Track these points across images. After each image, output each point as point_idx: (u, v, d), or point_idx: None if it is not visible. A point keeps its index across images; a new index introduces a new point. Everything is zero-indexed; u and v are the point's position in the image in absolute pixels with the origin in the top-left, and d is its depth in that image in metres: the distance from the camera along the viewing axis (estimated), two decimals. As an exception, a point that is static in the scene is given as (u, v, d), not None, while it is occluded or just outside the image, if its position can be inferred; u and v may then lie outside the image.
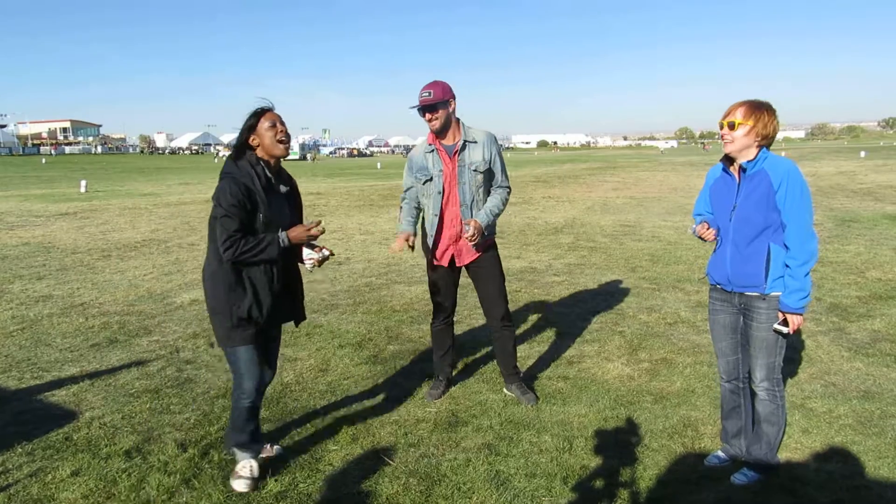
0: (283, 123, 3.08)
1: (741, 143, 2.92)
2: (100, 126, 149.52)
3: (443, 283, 4.16)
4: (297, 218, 3.26)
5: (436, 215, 3.98)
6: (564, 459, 3.39)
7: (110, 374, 4.64)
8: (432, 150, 3.97)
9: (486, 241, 4.03)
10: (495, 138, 4.08)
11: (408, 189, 4.14)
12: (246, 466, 3.18)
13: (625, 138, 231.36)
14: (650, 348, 5.11)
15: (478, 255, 4.05)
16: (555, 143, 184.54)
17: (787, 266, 2.92)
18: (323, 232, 3.11)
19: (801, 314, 2.92)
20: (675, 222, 12.65)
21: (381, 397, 4.25)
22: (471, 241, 3.85)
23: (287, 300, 3.28)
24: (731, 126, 2.92)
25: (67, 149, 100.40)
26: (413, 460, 3.41)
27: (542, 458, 3.40)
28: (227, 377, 4.55)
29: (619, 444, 3.57)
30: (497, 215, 4.01)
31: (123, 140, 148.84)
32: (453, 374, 4.47)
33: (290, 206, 3.22)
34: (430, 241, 4.08)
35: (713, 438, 3.60)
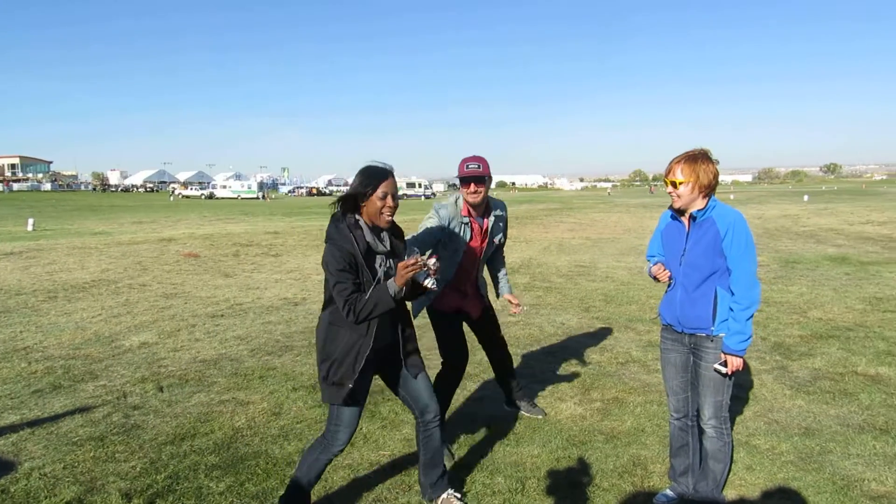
0: (395, 196, 3.04)
1: (687, 198, 3.09)
2: (50, 162, 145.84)
3: (458, 331, 4.17)
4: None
5: (448, 278, 4.01)
6: (517, 501, 3.41)
7: (53, 421, 4.49)
8: (467, 222, 3.99)
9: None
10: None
11: (425, 233, 3.93)
12: None
13: (581, 180, 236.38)
14: (602, 388, 5.19)
15: (482, 307, 4.34)
16: (513, 183, 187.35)
17: (730, 310, 3.05)
18: (420, 260, 2.90)
19: (740, 356, 3.05)
20: (629, 263, 12.95)
21: (334, 441, 4.21)
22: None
23: (393, 353, 3.25)
24: (674, 185, 3.09)
25: (16, 185, 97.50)
26: (365, 505, 3.38)
27: (495, 500, 3.41)
28: (175, 423, 4.46)
29: (570, 484, 3.61)
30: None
31: (75, 177, 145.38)
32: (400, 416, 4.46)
33: (394, 260, 3.11)
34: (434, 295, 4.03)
35: (662, 477, 3.67)
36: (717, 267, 3.08)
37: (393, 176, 3.06)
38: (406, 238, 3.62)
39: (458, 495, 3.37)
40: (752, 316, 3.04)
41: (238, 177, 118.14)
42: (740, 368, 3.09)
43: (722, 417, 3.20)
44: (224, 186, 79.68)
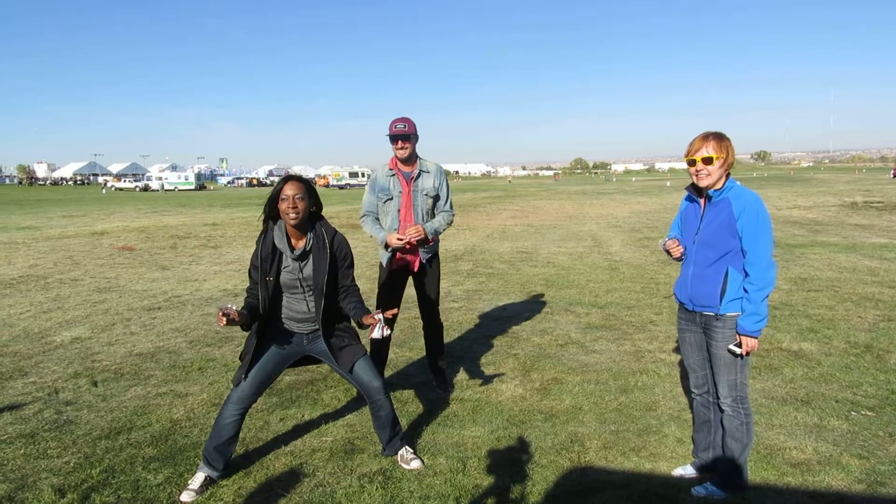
0: (297, 198, 3.35)
1: (717, 174, 3.10)
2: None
3: (391, 287, 4.69)
4: (323, 273, 3.49)
5: (395, 229, 4.55)
6: (458, 480, 3.47)
7: (-21, 419, 4.32)
8: (393, 175, 4.59)
9: (430, 253, 4.67)
10: (443, 170, 4.75)
11: (368, 210, 4.70)
12: (197, 479, 3.40)
13: (524, 168, 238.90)
14: (542, 369, 5.32)
15: (424, 259, 4.63)
16: (457, 172, 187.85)
17: (745, 291, 3.07)
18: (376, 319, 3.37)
19: (755, 337, 3.08)
20: (570, 248, 13.21)
21: (276, 429, 4.19)
22: (409, 237, 4.40)
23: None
24: (708, 161, 3.08)
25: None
26: (308, 490, 3.39)
27: (437, 480, 3.47)
28: (111, 417, 4.35)
29: (510, 462, 3.70)
30: (438, 232, 4.64)
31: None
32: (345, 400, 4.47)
33: (312, 263, 3.49)
34: (387, 252, 4.62)
35: (598, 452, 3.80)
36: (729, 247, 3.09)
37: (297, 180, 3.42)
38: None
39: (412, 451, 3.72)
40: (766, 297, 3.05)
41: (174, 168, 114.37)
42: (755, 349, 3.12)
43: (738, 396, 3.20)
44: (160, 178, 77.05)
